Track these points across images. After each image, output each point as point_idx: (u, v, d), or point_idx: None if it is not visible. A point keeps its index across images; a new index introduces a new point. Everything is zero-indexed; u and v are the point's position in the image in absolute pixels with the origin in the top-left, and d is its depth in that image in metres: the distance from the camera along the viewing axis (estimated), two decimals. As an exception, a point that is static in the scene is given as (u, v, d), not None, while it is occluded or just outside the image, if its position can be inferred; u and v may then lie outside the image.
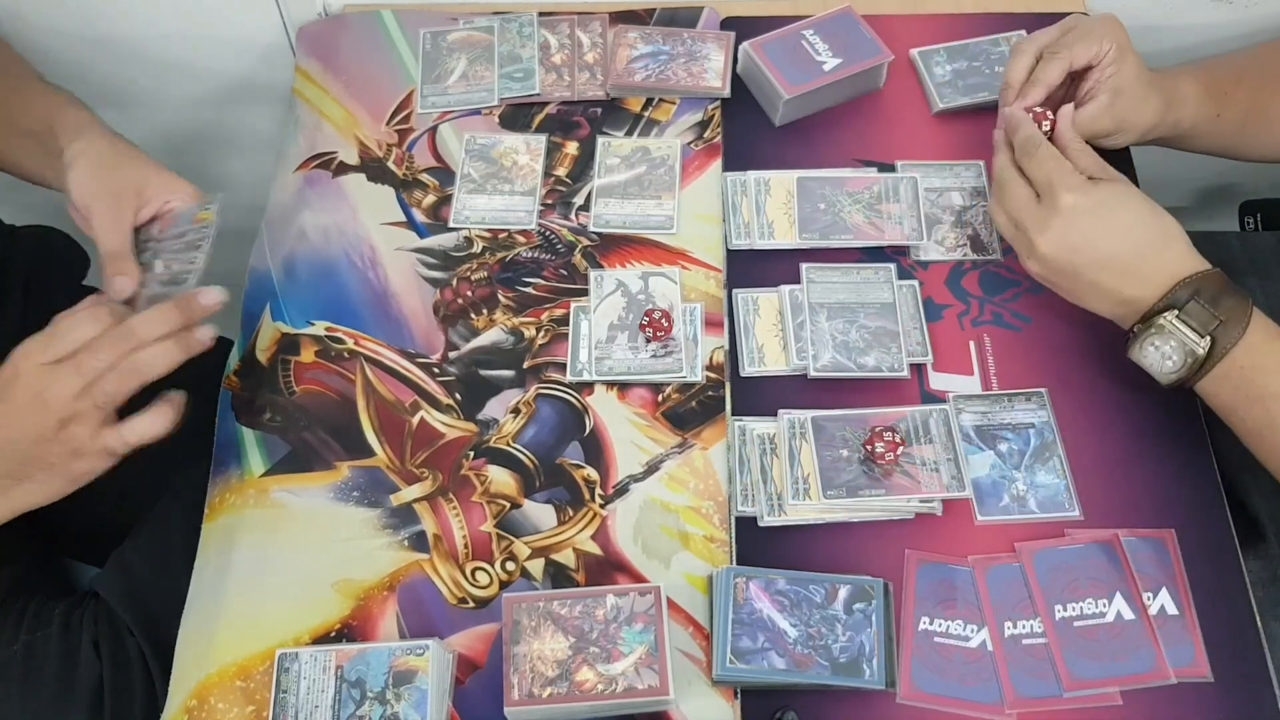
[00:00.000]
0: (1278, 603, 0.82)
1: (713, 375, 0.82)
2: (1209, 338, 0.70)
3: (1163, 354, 0.71)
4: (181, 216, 0.80)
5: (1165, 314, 0.71)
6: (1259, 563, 0.83)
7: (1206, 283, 0.71)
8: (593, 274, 0.86)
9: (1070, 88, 0.84)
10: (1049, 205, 0.74)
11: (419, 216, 0.90)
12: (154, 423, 0.71)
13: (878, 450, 0.75)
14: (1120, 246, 0.73)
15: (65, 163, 0.78)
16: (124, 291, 0.76)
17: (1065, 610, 0.72)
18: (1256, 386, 0.70)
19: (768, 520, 0.76)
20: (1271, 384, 0.70)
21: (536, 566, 0.75)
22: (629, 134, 0.93)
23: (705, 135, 0.93)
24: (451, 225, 0.89)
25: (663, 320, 0.82)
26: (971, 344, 0.83)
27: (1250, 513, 0.83)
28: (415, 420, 0.81)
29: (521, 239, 0.89)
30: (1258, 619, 0.73)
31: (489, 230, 0.89)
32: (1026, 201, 0.75)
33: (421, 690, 0.69)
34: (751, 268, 0.87)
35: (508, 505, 0.78)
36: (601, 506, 0.77)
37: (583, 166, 0.92)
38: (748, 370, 0.82)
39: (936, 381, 0.82)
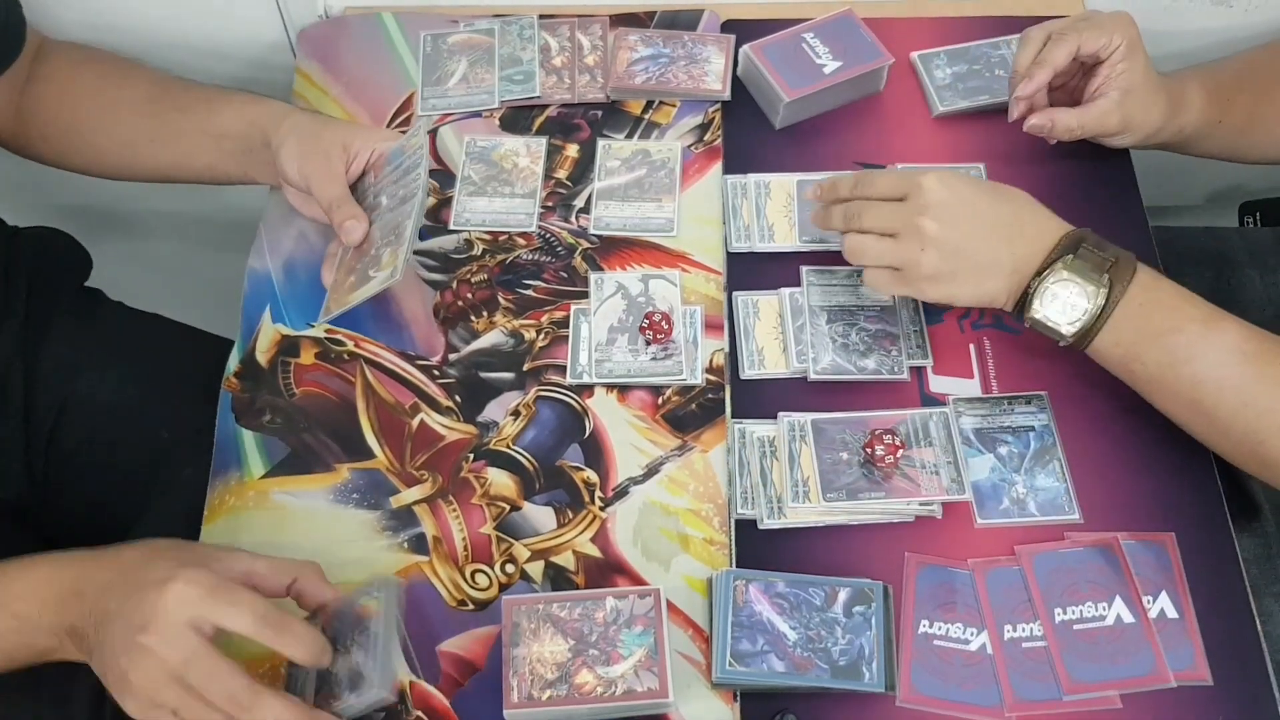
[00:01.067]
0: (1273, 580, 0.82)
1: (712, 378, 0.82)
2: (1106, 276, 0.71)
3: (1064, 303, 0.72)
4: (390, 157, 0.83)
5: (1058, 262, 0.72)
6: (1253, 540, 0.83)
7: (1087, 234, 0.73)
8: (593, 276, 0.86)
9: (1077, 84, 0.84)
10: (915, 194, 0.73)
11: (419, 219, 0.90)
12: None
13: (877, 453, 0.75)
14: (997, 210, 0.74)
15: (275, 147, 0.82)
16: (355, 236, 0.80)
17: (1065, 613, 0.72)
18: (1154, 322, 0.72)
19: (767, 523, 0.76)
20: (1167, 319, 0.72)
21: (536, 569, 0.75)
22: (629, 136, 0.93)
23: (705, 138, 0.93)
24: (452, 228, 0.89)
25: (663, 323, 0.82)
26: (971, 347, 0.83)
27: (1246, 490, 0.84)
28: (415, 422, 0.81)
29: (522, 241, 0.89)
30: (1256, 619, 0.73)
31: (489, 233, 0.89)
32: (892, 208, 0.75)
33: (373, 634, 0.68)
34: (751, 270, 0.87)
35: (507, 508, 0.78)
36: (601, 509, 0.77)
37: (583, 169, 0.92)
38: (747, 373, 0.82)
39: (936, 384, 0.82)
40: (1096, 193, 0.89)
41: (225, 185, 0.92)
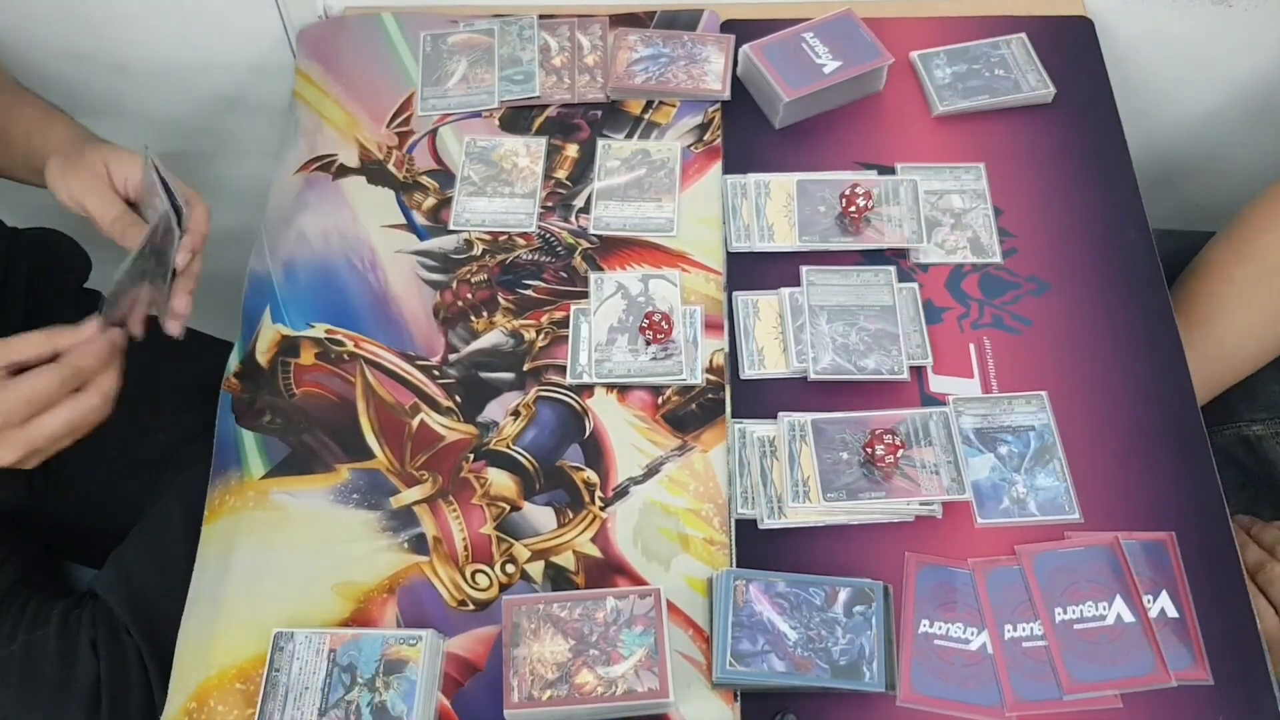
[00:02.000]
0: None
1: (713, 378, 0.82)
2: None
3: None
4: (144, 186, 0.79)
5: None
6: None
7: None
8: (593, 276, 0.86)
9: None
10: None
11: (419, 219, 0.90)
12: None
13: (878, 453, 0.75)
14: None
15: (45, 170, 0.80)
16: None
17: (1065, 613, 0.72)
18: None
19: (768, 523, 0.76)
20: None
21: (536, 569, 0.75)
22: (629, 136, 0.93)
23: (705, 138, 0.93)
24: (451, 228, 0.89)
25: (663, 323, 0.82)
26: (971, 346, 0.83)
27: None
28: (415, 422, 0.81)
29: (521, 241, 0.89)
30: (1257, 619, 0.73)
31: (489, 233, 0.89)
32: None
33: (411, 680, 0.69)
34: (751, 270, 0.87)
35: (507, 508, 0.78)
36: (601, 509, 0.77)
37: (583, 169, 0.92)
38: (748, 373, 0.82)
39: (936, 384, 0.82)
40: (1096, 195, 0.89)
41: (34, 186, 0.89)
